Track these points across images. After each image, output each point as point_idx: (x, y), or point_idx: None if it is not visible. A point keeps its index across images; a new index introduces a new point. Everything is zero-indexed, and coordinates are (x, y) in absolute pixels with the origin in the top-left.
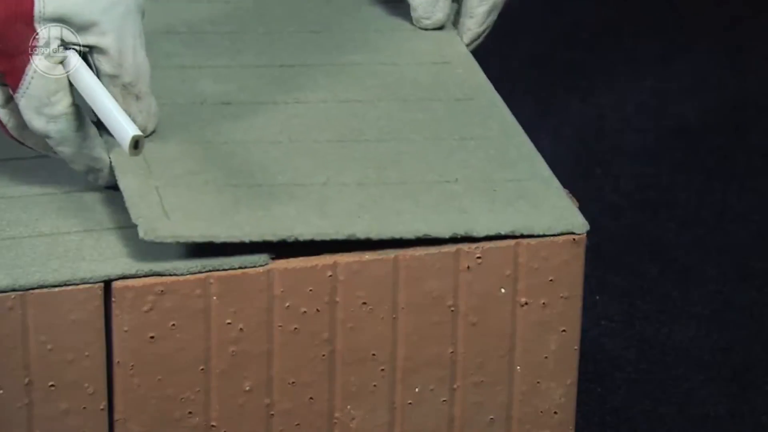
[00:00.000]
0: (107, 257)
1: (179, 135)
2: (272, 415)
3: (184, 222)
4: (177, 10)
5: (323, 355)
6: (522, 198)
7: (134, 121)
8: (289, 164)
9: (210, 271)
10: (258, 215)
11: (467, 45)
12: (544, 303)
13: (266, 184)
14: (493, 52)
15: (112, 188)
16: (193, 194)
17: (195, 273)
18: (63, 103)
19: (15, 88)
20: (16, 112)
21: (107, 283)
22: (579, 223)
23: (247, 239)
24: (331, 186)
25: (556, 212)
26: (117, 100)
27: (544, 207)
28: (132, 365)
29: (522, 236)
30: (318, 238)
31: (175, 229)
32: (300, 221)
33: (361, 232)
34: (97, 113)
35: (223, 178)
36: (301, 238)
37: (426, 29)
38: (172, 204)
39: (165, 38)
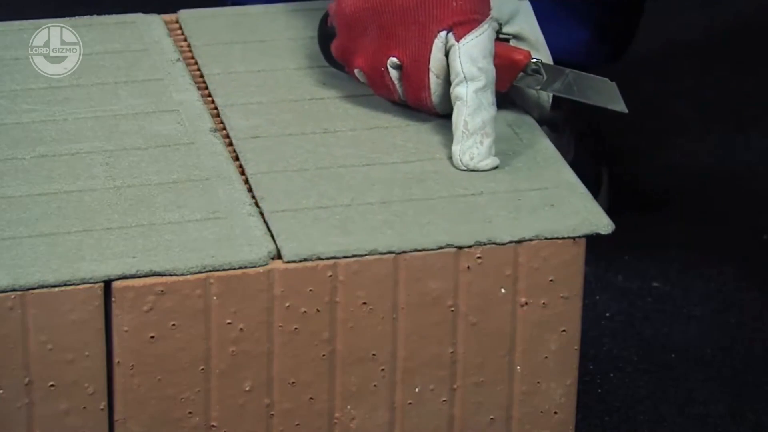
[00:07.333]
0: (107, 257)
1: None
2: (272, 415)
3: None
4: (212, 53)
5: (323, 355)
6: (547, 205)
7: None
8: (313, 189)
9: (210, 271)
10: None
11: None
12: (544, 303)
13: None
14: None
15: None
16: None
17: (195, 273)
18: None
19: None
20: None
21: (107, 283)
22: (604, 224)
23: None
24: (355, 206)
25: (580, 215)
26: None
27: (568, 211)
28: (132, 365)
29: (546, 239)
30: (339, 255)
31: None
32: (321, 241)
33: (383, 246)
34: None
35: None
36: (323, 257)
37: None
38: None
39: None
